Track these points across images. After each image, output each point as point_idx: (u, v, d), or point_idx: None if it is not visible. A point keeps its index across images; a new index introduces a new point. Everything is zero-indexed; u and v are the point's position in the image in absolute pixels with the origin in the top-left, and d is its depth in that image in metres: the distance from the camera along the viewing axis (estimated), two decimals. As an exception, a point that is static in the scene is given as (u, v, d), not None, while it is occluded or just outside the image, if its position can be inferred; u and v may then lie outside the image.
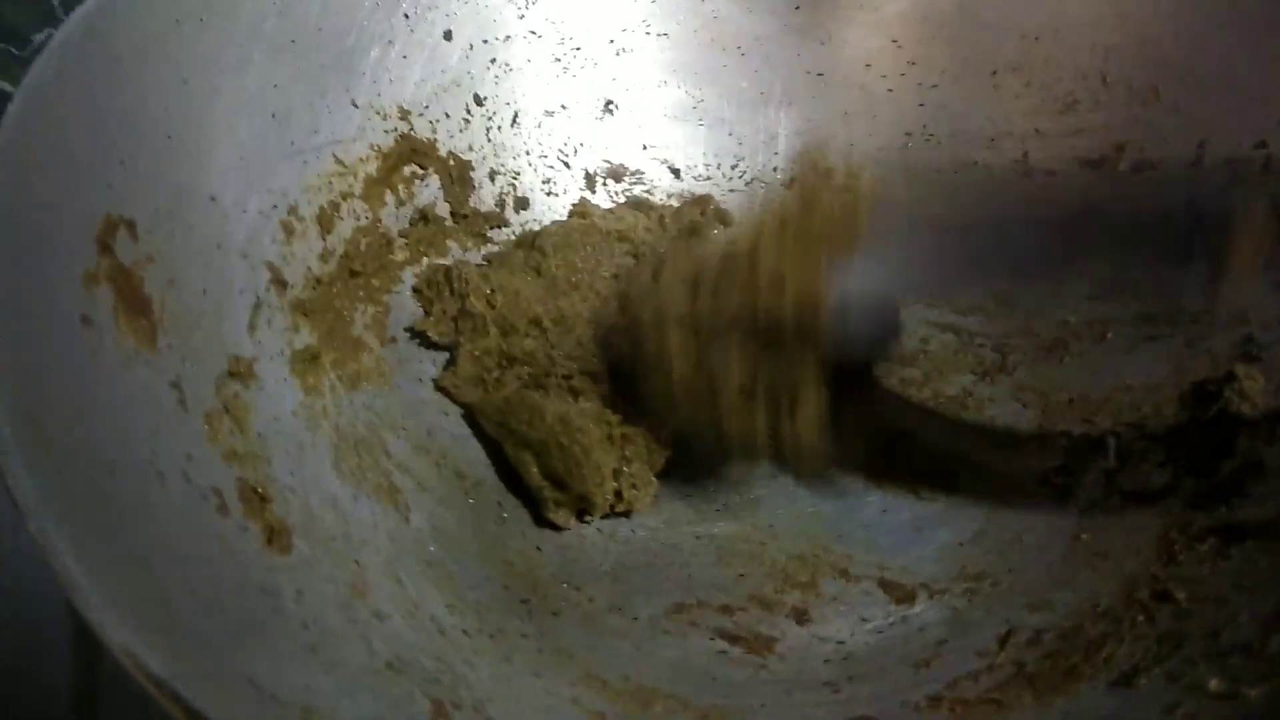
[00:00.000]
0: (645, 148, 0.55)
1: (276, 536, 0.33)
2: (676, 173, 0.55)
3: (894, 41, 0.53)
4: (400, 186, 0.47)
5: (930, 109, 0.53)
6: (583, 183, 0.53)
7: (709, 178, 0.55)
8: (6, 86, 0.57)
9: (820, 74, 0.54)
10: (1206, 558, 0.37)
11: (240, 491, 0.34)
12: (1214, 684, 0.32)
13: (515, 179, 0.52)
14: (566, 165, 0.53)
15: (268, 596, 0.30)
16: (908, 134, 0.54)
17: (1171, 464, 0.41)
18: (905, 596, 0.41)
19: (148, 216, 0.37)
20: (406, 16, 0.47)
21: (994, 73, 0.52)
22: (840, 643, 0.39)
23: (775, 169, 0.55)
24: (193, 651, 0.26)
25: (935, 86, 0.53)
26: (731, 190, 0.55)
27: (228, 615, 0.28)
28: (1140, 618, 0.36)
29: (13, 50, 0.57)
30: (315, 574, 0.33)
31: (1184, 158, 0.47)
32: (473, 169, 0.50)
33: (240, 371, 0.38)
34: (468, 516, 0.42)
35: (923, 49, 0.53)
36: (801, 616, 0.41)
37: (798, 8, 0.54)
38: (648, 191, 0.54)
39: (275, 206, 0.43)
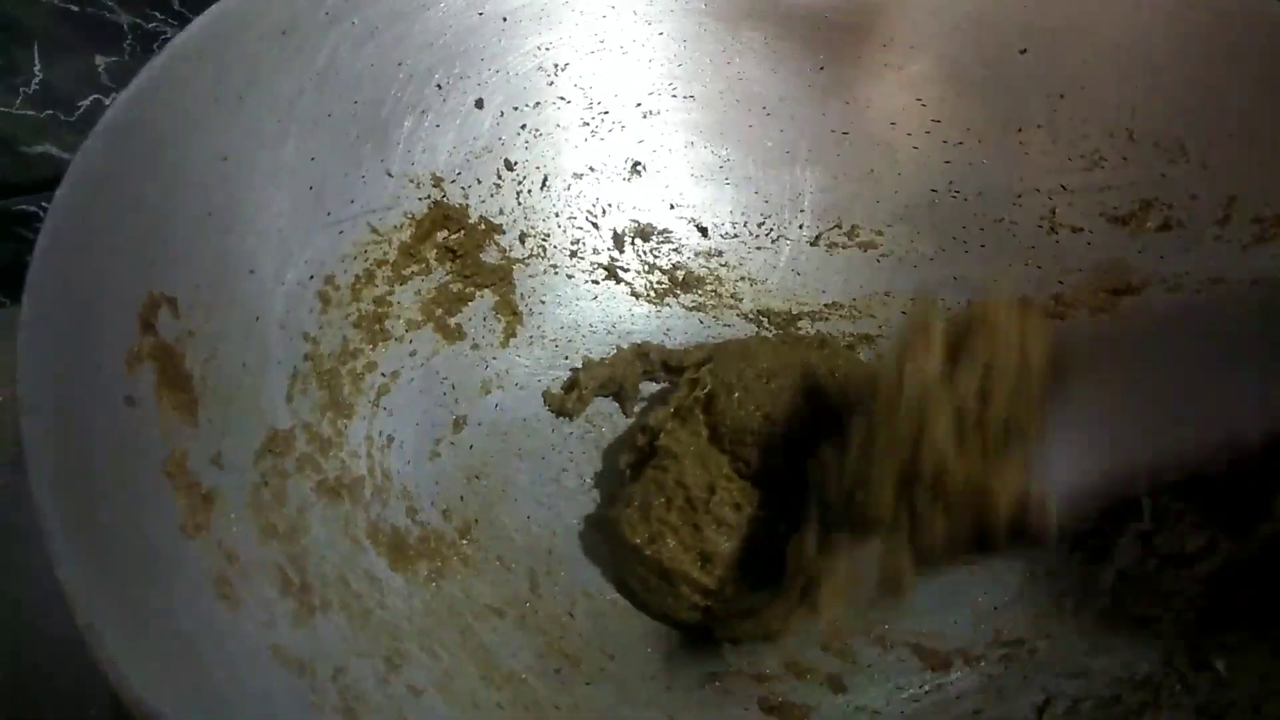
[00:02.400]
0: (673, 207, 0.55)
1: (311, 612, 0.34)
2: (704, 231, 0.55)
3: (919, 100, 0.54)
4: (433, 253, 0.48)
5: (956, 166, 0.53)
6: (610, 243, 0.54)
7: (735, 235, 0.55)
8: (55, 151, 0.59)
9: (845, 132, 0.55)
10: (1246, 626, 0.37)
11: (278, 570, 0.34)
12: (1256, 759, 0.31)
13: (545, 240, 0.52)
14: (595, 226, 0.54)
15: (304, 676, 0.31)
16: (934, 190, 0.54)
17: (1208, 526, 0.41)
18: (941, 663, 0.41)
19: (189, 292, 0.38)
20: (439, 87, 0.48)
21: (1019, 130, 0.52)
22: (876, 712, 0.39)
23: (801, 226, 0.55)
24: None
25: (960, 144, 0.53)
26: (758, 248, 0.55)
27: (266, 697, 0.28)
28: (1178, 687, 0.36)
29: (60, 115, 0.58)
30: (352, 649, 0.34)
31: (1212, 216, 0.47)
32: (503, 232, 0.51)
33: (278, 443, 0.38)
34: (502, 584, 0.42)
35: (947, 108, 0.53)
36: (836, 685, 0.40)
37: (822, 68, 0.54)
38: (675, 250, 0.55)
39: (312, 277, 0.43)
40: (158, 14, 0.58)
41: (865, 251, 0.55)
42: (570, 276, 0.53)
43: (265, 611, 0.32)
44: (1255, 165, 0.46)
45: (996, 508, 0.34)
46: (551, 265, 0.53)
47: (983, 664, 0.40)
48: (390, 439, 0.43)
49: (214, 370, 0.37)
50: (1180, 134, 0.49)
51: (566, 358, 0.51)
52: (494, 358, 0.49)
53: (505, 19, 0.50)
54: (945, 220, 0.54)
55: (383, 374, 0.45)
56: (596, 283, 0.54)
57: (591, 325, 0.53)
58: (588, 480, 0.48)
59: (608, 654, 0.40)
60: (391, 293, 0.46)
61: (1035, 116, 0.52)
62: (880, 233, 0.55)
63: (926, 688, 0.40)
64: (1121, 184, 0.50)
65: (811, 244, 0.56)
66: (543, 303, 0.52)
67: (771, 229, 0.56)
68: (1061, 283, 0.51)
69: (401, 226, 0.47)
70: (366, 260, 0.46)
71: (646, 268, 0.55)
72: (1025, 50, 0.51)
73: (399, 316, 0.46)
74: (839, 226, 0.55)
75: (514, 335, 0.50)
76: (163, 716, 0.24)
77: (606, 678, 0.39)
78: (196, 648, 0.28)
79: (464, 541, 0.42)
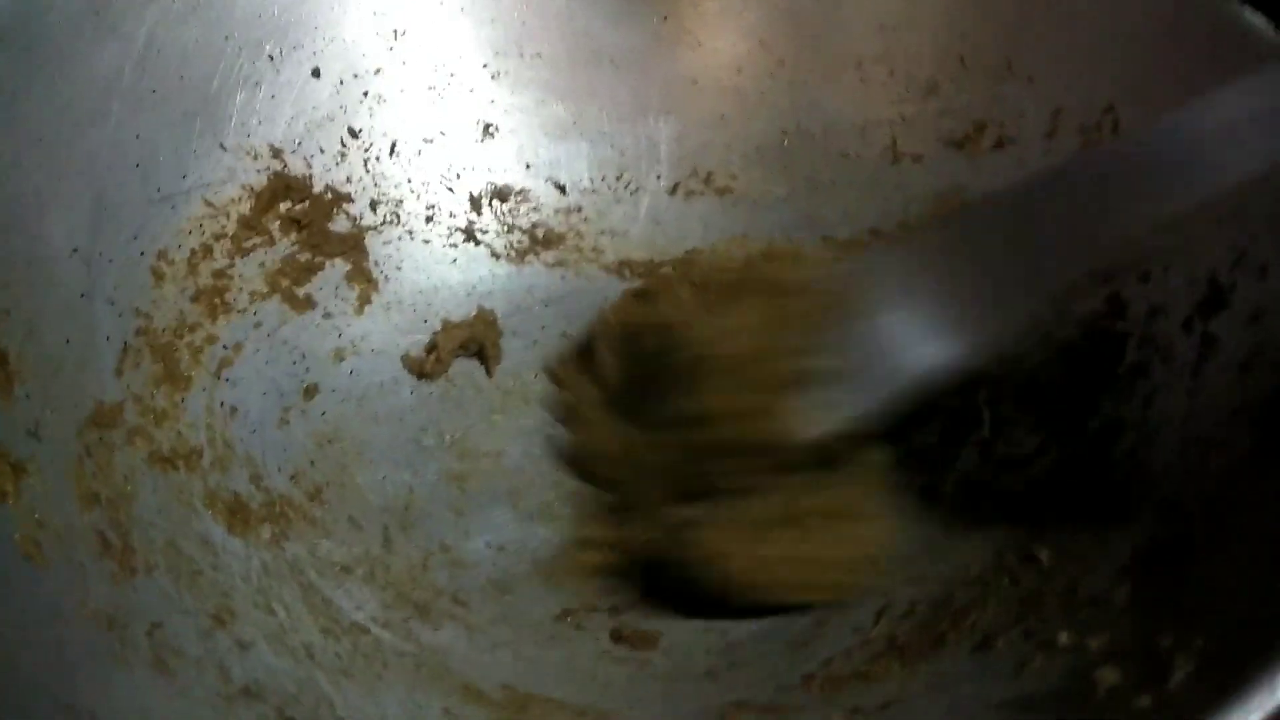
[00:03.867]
0: (529, 167, 0.55)
1: (131, 574, 0.34)
2: (562, 189, 0.56)
3: (761, 43, 0.54)
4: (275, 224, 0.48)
5: (802, 105, 0.54)
6: (468, 205, 0.54)
7: (594, 190, 0.56)
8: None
9: (694, 80, 0.55)
10: (1069, 517, 0.38)
11: (97, 535, 0.34)
12: (1064, 638, 0.32)
13: (398, 207, 0.52)
14: (450, 190, 0.54)
15: (113, 630, 0.31)
16: (784, 132, 0.55)
17: (1042, 428, 0.42)
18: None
19: (2, 271, 0.37)
20: (271, 58, 0.48)
21: (859, 65, 0.53)
22: (723, 632, 0.40)
23: (659, 176, 0.56)
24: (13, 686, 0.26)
25: (805, 84, 0.54)
26: (617, 201, 0.56)
27: (60, 647, 0.28)
28: (1006, 581, 0.37)
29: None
30: (175, 607, 0.34)
31: (1040, 130, 0.48)
32: (351, 200, 0.51)
33: (105, 416, 0.38)
34: (352, 542, 0.42)
35: (790, 48, 0.54)
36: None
37: (665, 18, 0.55)
38: (534, 208, 0.55)
39: (143, 254, 0.43)
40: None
41: (721, 197, 0.56)
42: (427, 241, 0.53)
43: (77, 573, 0.32)
44: (1075, 77, 0.47)
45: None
46: (407, 231, 0.53)
47: (828, 579, 0.41)
48: (234, 409, 0.43)
49: (31, 347, 0.37)
50: (1007, 53, 0.50)
51: (425, 321, 0.51)
52: (348, 325, 0.49)
53: (336, -13, 0.50)
54: (796, 160, 0.54)
55: (224, 346, 0.44)
56: (455, 246, 0.54)
57: (451, 288, 0.53)
58: (448, 438, 0.48)
59: (460, 601, 0.41)
60: (232, 265, 0.46)
61: (872, 50, 0.53)
62: (735, 177, 0.55)
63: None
64: (956, 108, 0.51)
65: (670, 193, 0.56)
66: (399, 269, 0.52)
67: (629, 181, 0.56)
68: (906, 211, 0.52)
69: (240, 199, 0.47)
70: (203, 234, 0.45)
71: (506, 228, 0.55)
72: (858, -16, 0.52)
73: (241, 289, 0.46)
74: (695, 174, 0.56)
75: (369, 302, 0.50)
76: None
77: (455, 623, 0.40)
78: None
79: (312, 504, 0.42)
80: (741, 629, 0.40)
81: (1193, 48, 0.43)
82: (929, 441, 0.44)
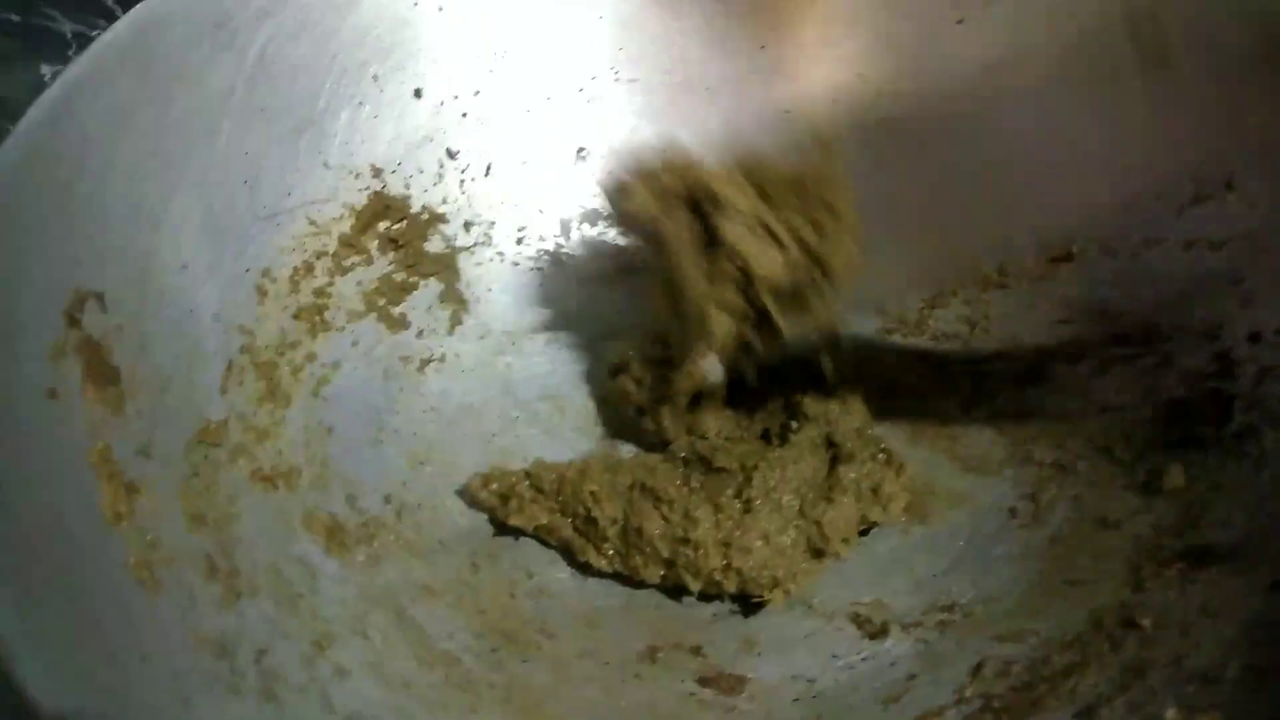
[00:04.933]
0: (620, 191, 0.55)
1: (236, 597, 0.34)
2: (651, 215, 0.55)
3: (859, 75, 0.54)
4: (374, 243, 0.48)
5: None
6: (558, 229, 0.54)
7: (682, 219, 0.55)
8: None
9: (788, 110, 0.55)
10: (1173, 583, 0.37)
11: (205, 557, 0.35)
12: (1171, 714, 0.31)
13: (490, 228, 0.53)
14: (541, 213, 0.54)
15: (223, 658, 0.31)
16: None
17: (1141, 488, 0.41)
18: (878, 631, 0.41)
19: (117, 287, 0.38)
20: (375, 78, 0.49)
21: (959, 101, 0.52)
22: (810, 681, 0.39)
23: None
24: (136, 715, 0.26)
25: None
26: (707, 229, 0.55)
27: (177, 677, 0.29)
28: (1106, 647, 0.36)
29: (11, 128, 0.59)
30: (278, 632, 0.34)
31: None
32: (446, 221, 0.51)
33: (210, 435, 0.39)
34: (441, 566, 0.42)
35: (888, 82, 0.53)
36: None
37: (763, 47, 0.54)
38: (622, 234, 0.55)
39: (248, 270, 0.44)
40: (102, 20, 0.58)
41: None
42: (516, 263, 0.53)
43: (187, 597, 0.33)
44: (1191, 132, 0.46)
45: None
46: (498, 252, 0.53)
47: (919, 630, 0.40)
48: (330, 429, 0.44)
49: (144, 363, 0.38)
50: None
51: (514, 344, 0.52)
52: (440, 345, 0.50)
53: (441, 8, 0.50)
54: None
55: (323, 364, 0.45)
56: (542, 270, 0.54)
57: (538, 310, 0.53)
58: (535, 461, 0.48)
59: (547, 633, 0.41)
60: (332, 284, 0.47)
61: (974, 87, 0.52)
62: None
63: (863, 655, 0.40)
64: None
65: (760, 222, 0.56)
66: (489, 289, 0.52)
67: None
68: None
69: (341, 218, 0.48)
70: (305, 252, 0.46)
71: (593, 252, 0.55)
72: (962, 20, 0.51)
73: (340, 307, 0.47)
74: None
75: (460, 323, 0.51)
76: (55, 696, 0.24)
77: (544, 656, 0.40)
78: (105, 632, 0.28)
79: (404, 526, 0.43)
80: (828, 678, 0.40)
81: None
82: (1023, 493, 0.44)
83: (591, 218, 0.55)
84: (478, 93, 0.52)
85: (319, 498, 0.41)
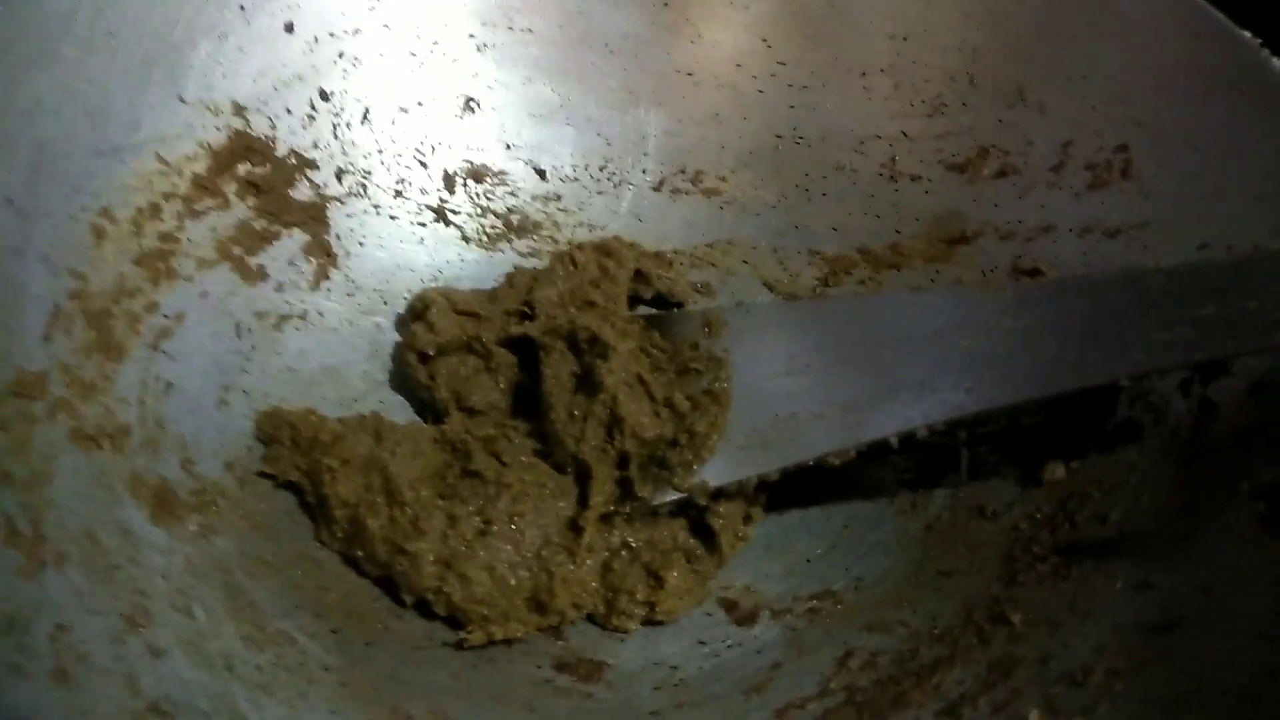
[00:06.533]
0: (509, 147, 0.52)
1: (40, 566, 0.31)
2: (542, 174, 0.53)
3: (764, 41, 0.52)
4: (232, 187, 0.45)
5: (800, 111, 0.52)
6: (441, 183, 0.51)
7: (575, 179, 0.53)
8: None
9: (690, 74, 0.53)
10: (1046, 579, 0.36)
11: (4, 520, 0.31)
12: (1034, 716, 0.30)
13: (366, 178, 0.49)
14: (423, 164, 0.51)
15: (10, 634, 0.28)
16: (778, 136, 0.52)
17: (1021, 480, 0.40)
18: (747, 617, 0.39)
19: (-75, 219, 0.34)
20: (242, 8, 0.45)
21: (863, 74, 0.51)
22: (674, 668, 0.38)
23: (644, 171, 0.53)
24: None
25: (805, 88, 0.51)
26: (599, 193, 0.53)
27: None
28: (975, 641, 0.35)
29: None
30: (84, 606, 0.31)
31: (1047, 162, 0.46)
32: (316, 167, 0.47)
33: (26, 387, 0.35)
34: (285, 539, 0.39)
35: (793, 49, 0.52)
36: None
37: (666, 4, 0.52)
38: (511, 193, 0.52)
39: (85, 209, 0.40)
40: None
41: (709, 198, 0.53)
42: (394, 218, 0.50)
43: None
44: (1089, 110, 0.45)
45: None
46: (373, 205, 0.50)
47: (789, 617, 0.39)
48: (169, 385, 0.40)
49: (-50, 303, 0.34)
50: (1020, 79, 0.47)
51: (386, 303, 0.49)
52: (301, 301, 0.46)
53: (318, -61, 0.46)
54: (788, 166, 0.52)
55: (165, 315, 0.41)
56: (424, 225, 0.51)
57: (415, 269, 0.50)
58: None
59: (395, 614, 0.38)
60: (181, 228, 0.43)
61: (879, 60, 0.50)
62: (724, 179, 0.53)
63: (729, 642, 0.39)
64: (960, 130, 0.49)
65: (655, 189, 0.53)
66: (361, 244, 0.49)
67: (613, 173, 0.53)
68: (899, 231, 0.50)
69: (195, 157, 0.44)
70: (151, 192, 0.42)
71: (479, 211, 0.52)
72: (872, -11, 0.50)
73: (189, 254, 0.43)
74: (683, 172, 0.53)
75: (326, 278, 0.47)
76: None
77: (390, 638, 0.37)
78: None
79: (247, 495, 0.39)
80: (692, 665, 0.38)
81: (1216, 92, 0.41)
82: (905, 478, 0.42)
83: (478, 174, 0.52)
84: (357, 31, 0.48)
85: (149, 460, 0.38)
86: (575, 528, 0.39)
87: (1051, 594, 0.35)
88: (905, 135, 0.50)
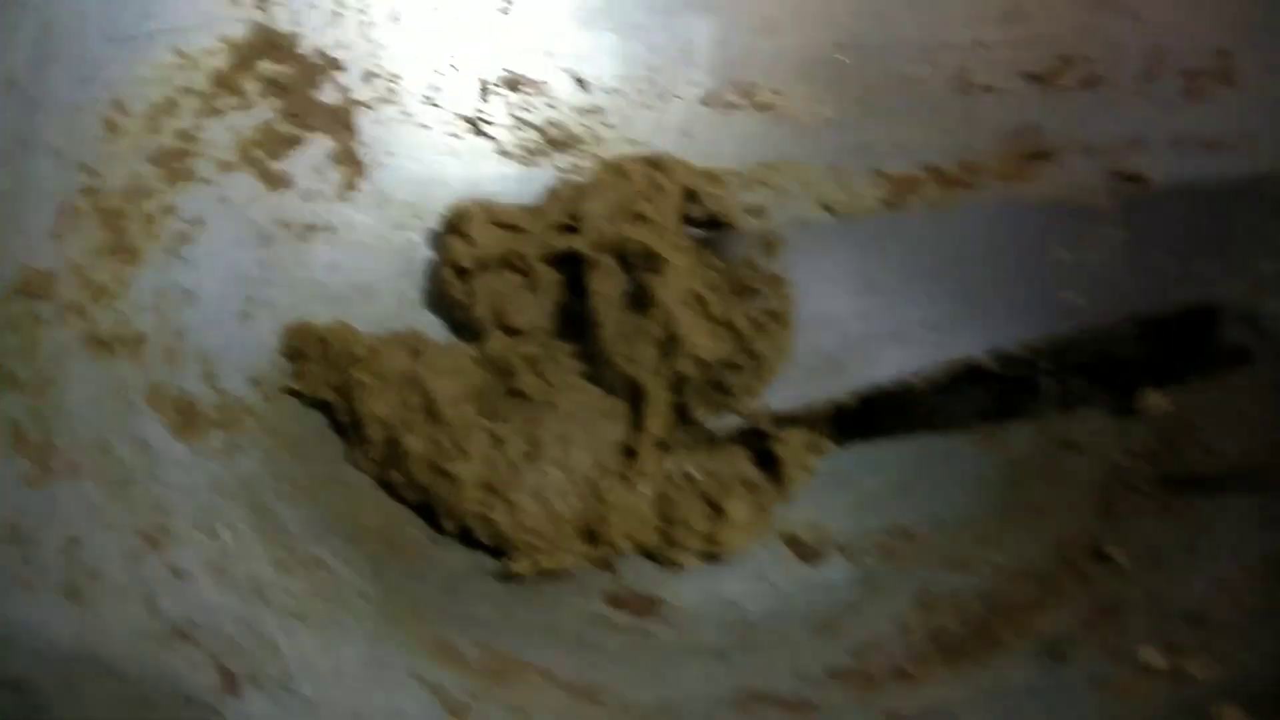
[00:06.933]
0: (548, 55, 0.49)
1: (48, 475, 0.28)
2: (583, 84, 0.49)
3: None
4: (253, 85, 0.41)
5: (863, 17, 0.48)
6: (475, 92, 0.47)
7: (619, 90, 0.49)
8: None
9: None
10: (1151, 513, 0.33)
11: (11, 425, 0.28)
12: (1151, 656, 0.27)
13: (395, 82, 0.46)
14: (456, 70, 0.47)
15: (17, 544, 0.25)
16: (839, 45, 0.48)
17: (1114, 410, 0.37)
18: (813, 554, 0.36)
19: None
20: (263, -112, 0.41)
21: (934, -24, 0.47)
22: (735, 604, 0.35)
23: (693, 83, 0.49)
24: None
25: (870, -9, 0.48)
26: (645, 106, 0.49)
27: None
28: (1074, 579, 0.32)
29: None
30: (97, 520, 0.28)
31: (1135, 70, 0.42)
32: (342, 68, 0.44)
33: (35, 286, 0.32)
34: (317, 458, 0.36)
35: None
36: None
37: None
38: (550, 104, 0.48)
39: (97, 100, 0.37)
40: None
41: (762, 113, 0.49)
42: (426, 127, 0.47)
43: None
44: (1184, 11, 0.41)
45: None
46: (403, 112, 0.46)
47: (859, 555, 0.36)
48: (188, 293, 0.37)
49: (-50, 193, 0.31)
50: (1107, -23, 0.44)
51: (419, 218, 0.45)
52: (328, 211, 0.43)
53: None
54: (849, 79, 0.48)
55: (183, 219, 0.38)
56: (457, 136, 0.47)
57: (448, 183, 0.46)
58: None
59: (436, 542, 0.35)
60: (199, 127, 0.39)
61: (951, -41, 0.47)
62: (779, 92, 0.49)
63: (795, 580, 0.36)
64: (1040, 37, 0.45)
65: (704, 103, 0.49)
66: (391, 154, 0.45)
67: (659, 85, 0.49)
68: (970, 148, 0.46)
69: (214, 51, 0.40)
70: (168, 86, 0.39)
71: (516, 122, 0.48)
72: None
73: (208, 155, 0.40)
74: (735, 85, 0.49)
75: (353, 188, 0.44)
76: None
77: (428, 565, 0.34)
78: None
79: (272, 411, 0.36)
80: (756, 603, 0.35)
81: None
82: (980, 410, 0.39)
83: (515, 82, 0.48)
84: (387, -79, 0.45)
85: (168, 371, 0.35)
86: (629, 452, 0.36)
87: (1158, 529, 0.32)
88: (978, 43, 0.46)
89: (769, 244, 0.41)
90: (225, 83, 0.40)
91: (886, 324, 0.36)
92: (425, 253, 0.45)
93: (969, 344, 0.34)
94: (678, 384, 0.37)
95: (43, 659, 0.23)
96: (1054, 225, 0.35)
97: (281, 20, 0.42)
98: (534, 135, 0.49)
